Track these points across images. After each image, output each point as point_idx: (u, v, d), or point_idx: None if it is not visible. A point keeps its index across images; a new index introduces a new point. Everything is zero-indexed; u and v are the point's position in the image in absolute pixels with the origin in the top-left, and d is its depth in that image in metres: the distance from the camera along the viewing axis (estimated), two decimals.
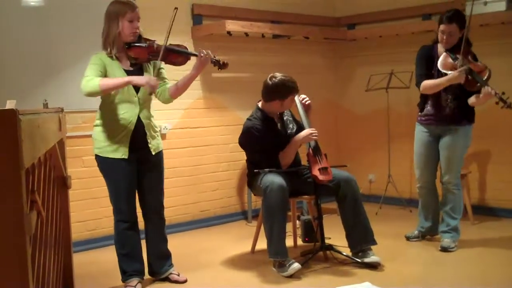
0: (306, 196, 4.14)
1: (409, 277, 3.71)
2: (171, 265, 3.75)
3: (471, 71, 3.95)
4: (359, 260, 3.87)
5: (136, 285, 3.50)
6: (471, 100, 4.09)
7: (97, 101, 3.52)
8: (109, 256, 4.35)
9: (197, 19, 5.24)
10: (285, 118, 4.18)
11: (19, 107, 1.70)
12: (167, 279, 3.71)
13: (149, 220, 3.68)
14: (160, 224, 3.71)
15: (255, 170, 3.94)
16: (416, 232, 4.51)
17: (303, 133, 4.01)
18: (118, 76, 3.36)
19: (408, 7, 5.30)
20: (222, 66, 3.57)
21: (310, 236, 4.45)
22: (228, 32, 5.18)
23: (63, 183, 3.20)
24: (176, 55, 3.48)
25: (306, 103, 4.16)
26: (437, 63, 4.09)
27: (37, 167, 2.16)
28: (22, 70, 4.27)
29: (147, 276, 3.70)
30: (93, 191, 4.64)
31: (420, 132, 4.34)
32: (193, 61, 3.54)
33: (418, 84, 4.19)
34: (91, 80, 3.25)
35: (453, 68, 4.00)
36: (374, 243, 3.94)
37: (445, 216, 4.30)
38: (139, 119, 3.46)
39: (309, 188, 3.99)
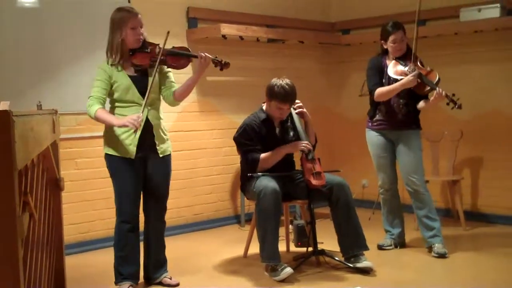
0: (299, 201, 4.14)
1: (401, 282, 3.71)
2: (165, 271, 3.75)
3: (421, 75, 4.12)
4: (351, 265, 3.87)
5: None
6: (421, 104, 4.23)
7: None
8: (101, 258, 4.34)
9: (192, 22, 5.24)
10: (287, 124, 4.16)
11: (13, 109, 1.70)
12: (160, 283, 3.71)
13: (150, 224, 3.68)
14: (161, 229, 3.72)
15: (248, 174, 3.94)
16: (388, 240, 4.47)
17: (291, 144, 4.02)
18: (124, 84, 3.44)
19: (403, 13, 5.30)
20: (223, 65, 3.59)
21: (303, 241, 4.45)
22: (223, 36, 5.18)
23: (56, 185, 3.19)
24: (176, 58, 3.52)
25: (297, 109, 4.14)
26: (387, 72, 4.26)
27: (30, 169, 2.15)
28: (17, 72, 4.26)
29: (140, 279, 3.68)
30: (86, 193, 4.62)
31: (373, 137, 4.42)
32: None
33: (372, 92, 4.30)
34: (91, 107, 3.38)
35: (403, 74, 4.17)
36: (366, 248, 3.95)
37: (426, 220, 4.26)
38: (147, 120, 3.49)
39: (302, 192, 3.99)
